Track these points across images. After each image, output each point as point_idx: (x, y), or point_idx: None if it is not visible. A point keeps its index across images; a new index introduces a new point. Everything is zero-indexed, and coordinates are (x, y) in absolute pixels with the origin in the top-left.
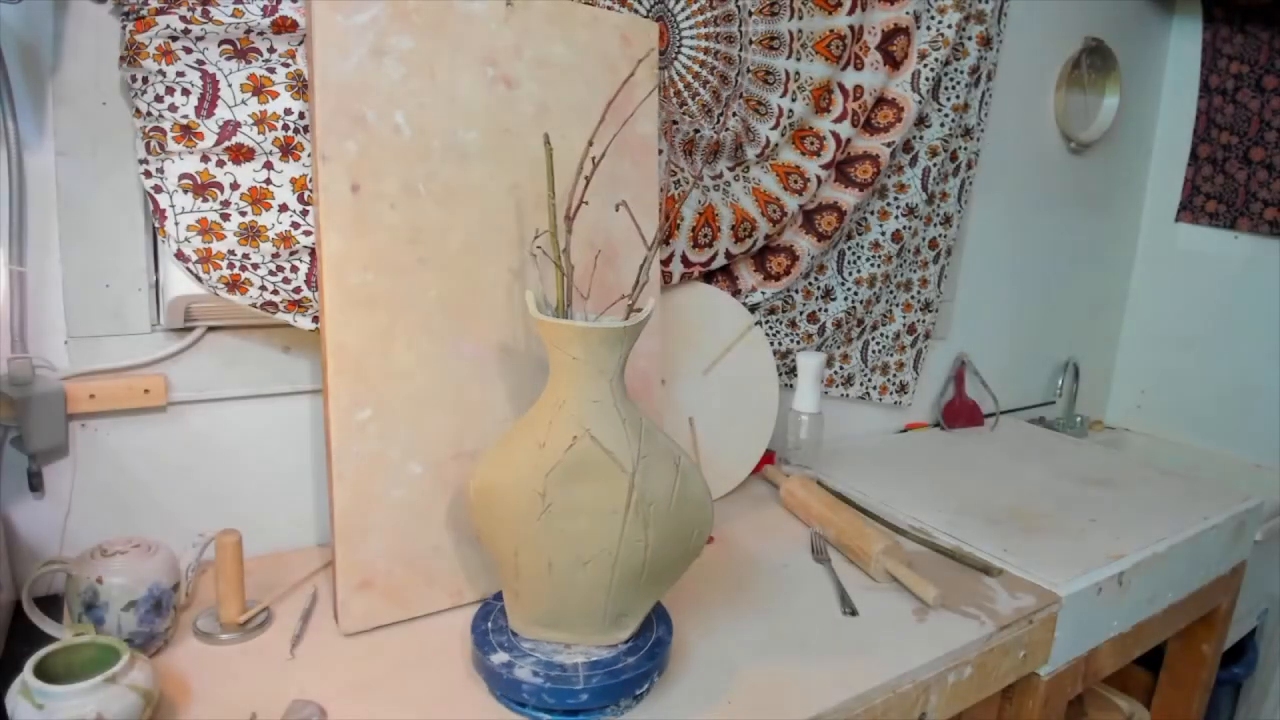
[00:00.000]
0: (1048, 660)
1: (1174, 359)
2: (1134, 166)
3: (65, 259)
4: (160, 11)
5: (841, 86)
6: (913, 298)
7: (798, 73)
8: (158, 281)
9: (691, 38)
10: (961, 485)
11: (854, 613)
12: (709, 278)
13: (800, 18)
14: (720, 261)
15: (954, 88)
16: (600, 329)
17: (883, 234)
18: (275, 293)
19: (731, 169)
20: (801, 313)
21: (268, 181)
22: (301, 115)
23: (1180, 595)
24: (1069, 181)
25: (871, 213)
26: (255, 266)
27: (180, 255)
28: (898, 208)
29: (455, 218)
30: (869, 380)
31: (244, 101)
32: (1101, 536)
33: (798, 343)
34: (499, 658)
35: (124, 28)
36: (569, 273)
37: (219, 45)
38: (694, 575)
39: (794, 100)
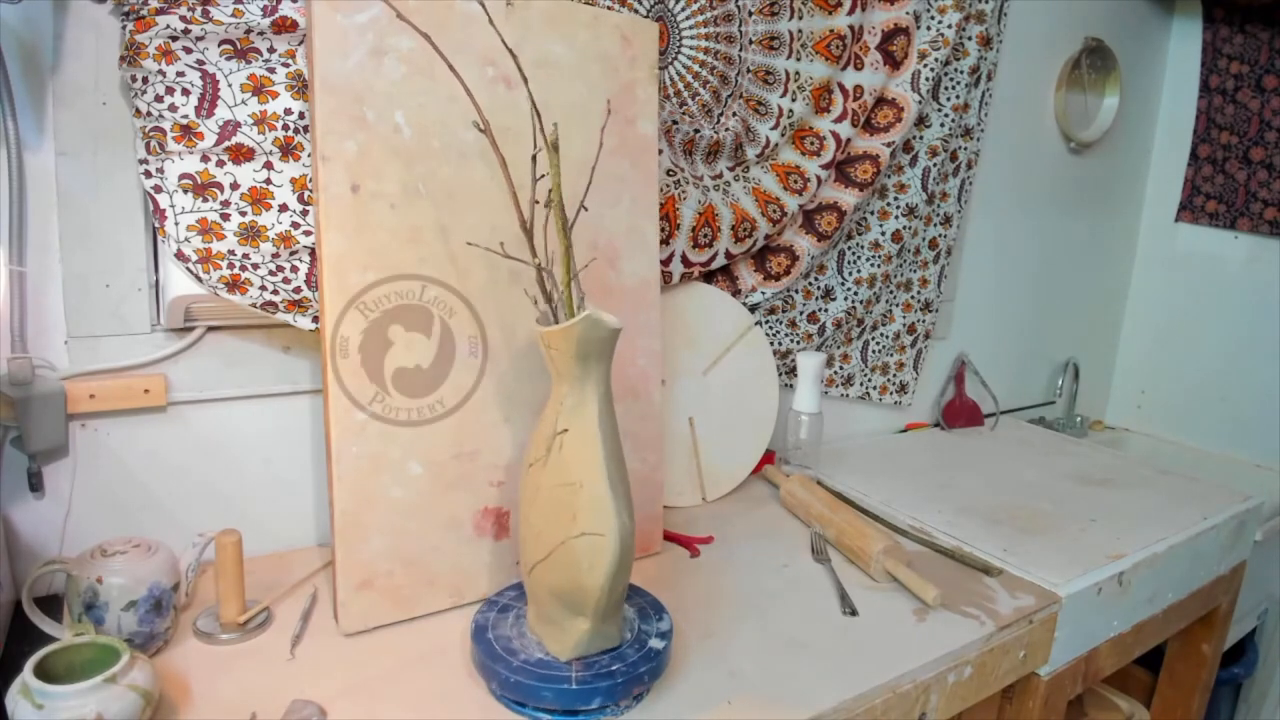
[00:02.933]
0: (1048, 660)
1: (1174, 359)
2: (1134, 166)
3: (65, 259)
4: (160, 11)
5: (841, 86)
6: (913, 298)
7: (798, 73)
8: (158, 281)
9: (691, 38)
10: (961, 485)
11: (854, 613)
12: (709, 278)
13: (800, 18)
14: (720, 261)
15: (954, 88)
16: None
17: (883, 234)
18: (275, 293)
19: (731, 169)
20: (801, 313)
21: (268, 181)
22: (301, 115)
23: (1180, 595)
24: (1069, 181)
25: (871, 213)
26: (255, 266)
27: (180, 255)
28: (898, 208)
29: (455, 218)
30: (869, 380)
31: (244, 101)
32: (1101, 536)
33: (798, 343)
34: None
35: (124, 28)
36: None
37: (219, 45)
38: (694, 575)
39: (794, 100)
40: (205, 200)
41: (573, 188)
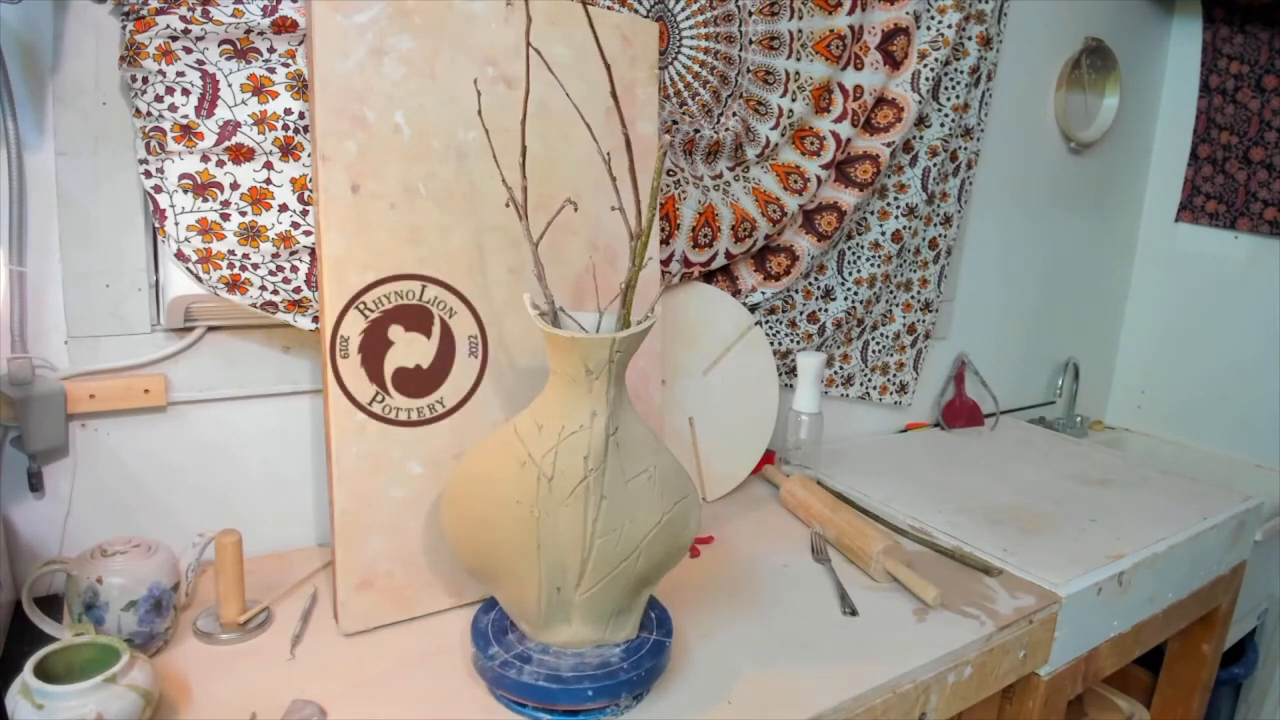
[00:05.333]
0: (1048, 660)
1: (1174, 359)
2: (1134, 166)
3: (65, 259)
4: (160, 11)
5: (841, 86)
6: (913, 298)
7: (798, 73)
8: (158, 281)
9: (691, 38)
10: (961, 485)
11: (854, 613)
12: (709, 278)
13: (800, 18)
14: (720, 261)
15: (954, 88)
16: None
17: (883, 234)
18: (275, 293)
19: (731, 169)
20: (801, 313)
21: (268, 181)
22: (301, 115)
23: (1180, 595)
24: (1069, 181)
25: (871, 213)
26: (255, 266)
27: (180, 255)
28: (898, 208)
29: (455, 218)
30: (869, 380)
31: (244, 101)
32: (1101, 536)
33: (798, 343)
34: None
35: (124, 28)
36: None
37: (219, 45)
38: (694, 575)
39: (794, 100)
40: (205, 200)
41: (574, 186)
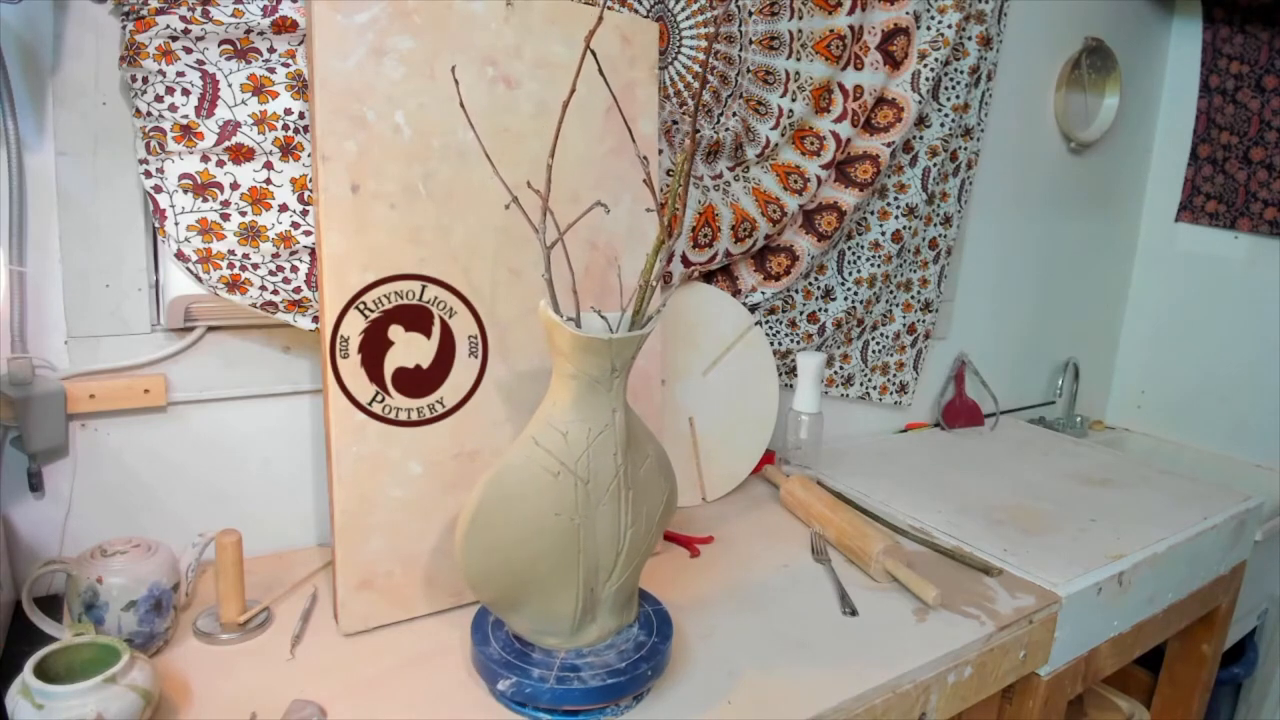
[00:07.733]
0: (1048, 660)
1: (1174, 359)
2: (1134, 166)
3: (65, 259)
4: (160, 11)
5: (841, 86)
6: (913, 298)
7: (798, 73)
8: (158, 281)
9: (692, 38)
10: (961, 485)
11: (854, 613)
12: (709, 278)
13: (800, 18)
14: (720, 261)
15: (954, 88)
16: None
17: (883, 234)
18: (275, 293)
19: (731, 169)
20: (801, 313)
21: (268, 181)
22: (301, 115)
23: (1180, 595)
24: (1069, 181)
25: (871, 213)
26: (255, 266)
27: (180, 255)
28: (898, 208)
29: (455, 218)
30: (869, 380)
31: (244, 101)
32: (1101, 536)
33: (798, 343)
34: None
35: (124, 28)
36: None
37: (219, 45)
38: (694, 575)
39: (794, 100)
40: (205, 200)
41: (573, 186)
